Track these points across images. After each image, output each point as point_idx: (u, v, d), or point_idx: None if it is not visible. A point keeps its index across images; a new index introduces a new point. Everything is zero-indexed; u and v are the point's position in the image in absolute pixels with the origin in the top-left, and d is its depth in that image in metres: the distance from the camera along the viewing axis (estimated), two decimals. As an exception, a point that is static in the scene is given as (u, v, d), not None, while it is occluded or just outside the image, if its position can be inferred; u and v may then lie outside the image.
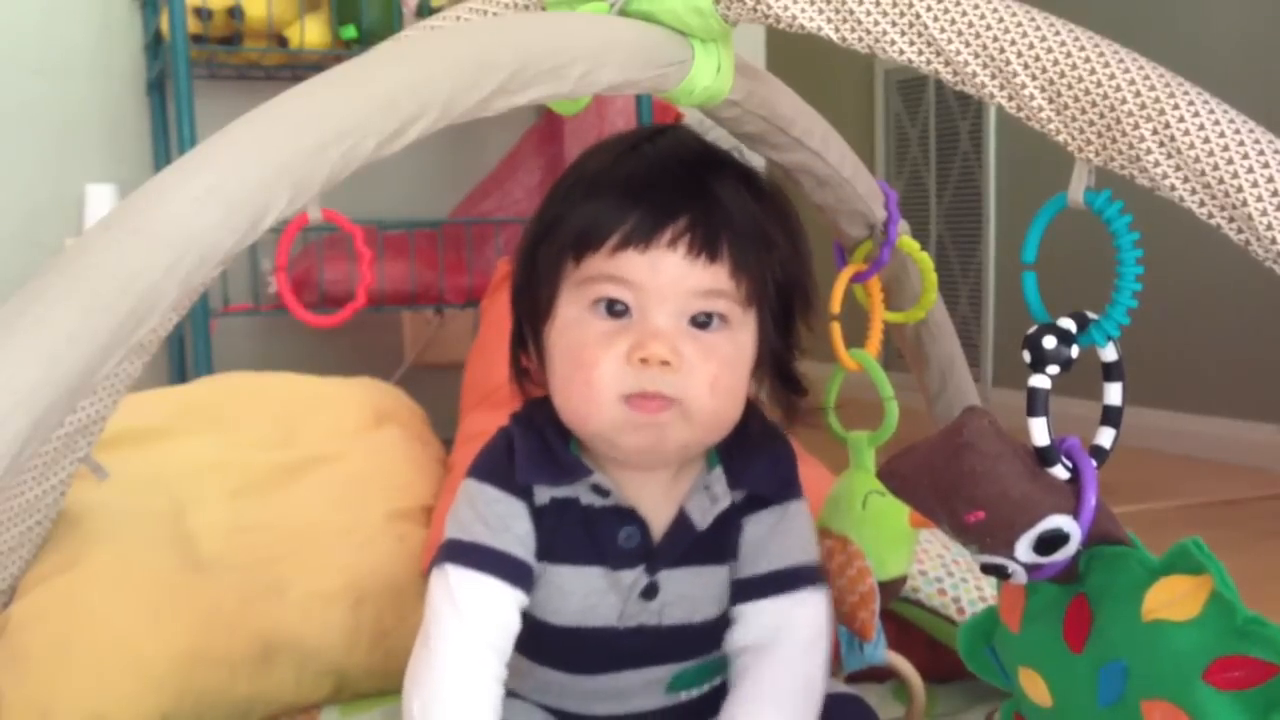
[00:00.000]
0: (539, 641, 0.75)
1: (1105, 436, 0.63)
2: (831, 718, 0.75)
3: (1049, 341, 0.59)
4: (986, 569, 0.65)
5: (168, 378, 2.13)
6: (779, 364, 0.76)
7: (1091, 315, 0.60)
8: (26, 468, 0.91)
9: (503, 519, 0.73)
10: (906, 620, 1.04)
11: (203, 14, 1.85)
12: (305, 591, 1.01)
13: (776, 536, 0.77)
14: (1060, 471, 0.62)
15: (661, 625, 0.75)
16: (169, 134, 2.17)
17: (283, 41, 1.93)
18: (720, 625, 0.77)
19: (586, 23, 0.60)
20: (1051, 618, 0.66)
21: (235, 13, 1.87)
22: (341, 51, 1.91)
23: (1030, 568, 0.63)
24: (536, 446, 0.74)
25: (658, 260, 0.68)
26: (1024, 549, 0.62)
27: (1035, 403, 0.60)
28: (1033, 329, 0.60)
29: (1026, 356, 0.59)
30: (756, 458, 0.76)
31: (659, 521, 0.75)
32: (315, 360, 1.58)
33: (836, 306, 0.83)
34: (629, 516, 0.74)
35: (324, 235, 1.83)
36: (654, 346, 0.68)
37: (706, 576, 0.76)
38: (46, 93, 2.13)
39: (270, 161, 0.44)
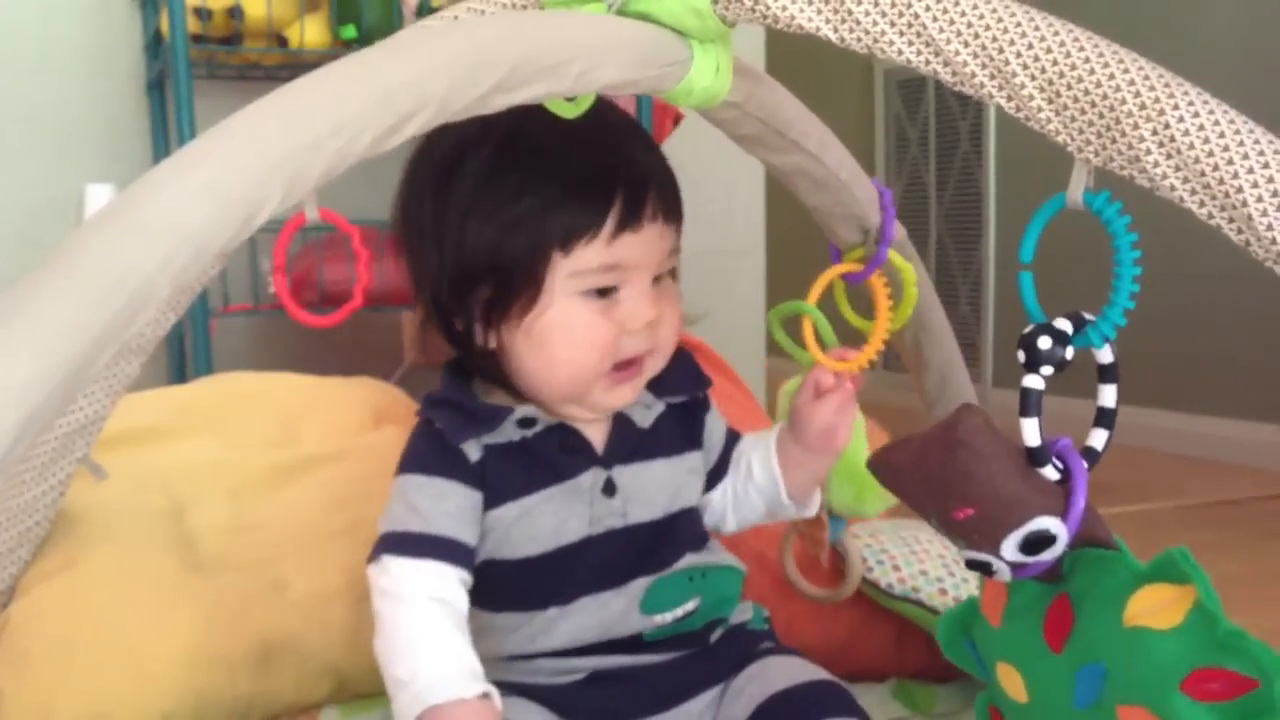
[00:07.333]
0: (520, 580, 0.78)
1: (1098, 438, 0.63)
2: (810, 702, 0.77)
3: (1044, 342, 0.59)
4: (971, 564, 0.65)
5: (168, 378, 2.12)
6: None
7: (1088, 316, 0.60)
8: (24, 468, 0.91)
9: (432, 500, 0.75)
10: (907, 620, 1.04)
11: (202, 14, 1.84)
12: (305, 591, 1.01)
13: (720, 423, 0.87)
14: (1051, 472, 0.62)
15: (627, 525, 0.79)
16: (169, 134, 2.16)
17: (283, 41, 1.92)
18: (678, 527, 0.82)
19: (585, 22, 0.60)
20: (1033, 616, 0.66)
21: (235, 13, 1.87)
22: (341, 51, 1.90)
23: (1015, 566, 0.63)
24: (453, 411, 0.77)
25: (647, 235, 0.74)
26: (1010, 548, 0.62)
27: (1028, 403, 0.60)
28: (1028, 329, 0.60)
29: (1021, 356, 0.59)
30: (665, 370, 0.81)
31: (597, 435, 0.80)
32: (315, 360, 1.57)
33: (814, 299, 0.84)
34: (564, 429, 0.79)
35: (324, 235, 1.82)
36: (648, 314, 0.75)
37: (656, 470, 0.81)
38: (46, 93, 2.12)
39: (265, 156, 0.44)
